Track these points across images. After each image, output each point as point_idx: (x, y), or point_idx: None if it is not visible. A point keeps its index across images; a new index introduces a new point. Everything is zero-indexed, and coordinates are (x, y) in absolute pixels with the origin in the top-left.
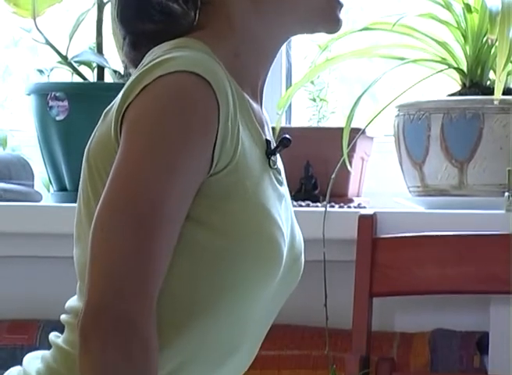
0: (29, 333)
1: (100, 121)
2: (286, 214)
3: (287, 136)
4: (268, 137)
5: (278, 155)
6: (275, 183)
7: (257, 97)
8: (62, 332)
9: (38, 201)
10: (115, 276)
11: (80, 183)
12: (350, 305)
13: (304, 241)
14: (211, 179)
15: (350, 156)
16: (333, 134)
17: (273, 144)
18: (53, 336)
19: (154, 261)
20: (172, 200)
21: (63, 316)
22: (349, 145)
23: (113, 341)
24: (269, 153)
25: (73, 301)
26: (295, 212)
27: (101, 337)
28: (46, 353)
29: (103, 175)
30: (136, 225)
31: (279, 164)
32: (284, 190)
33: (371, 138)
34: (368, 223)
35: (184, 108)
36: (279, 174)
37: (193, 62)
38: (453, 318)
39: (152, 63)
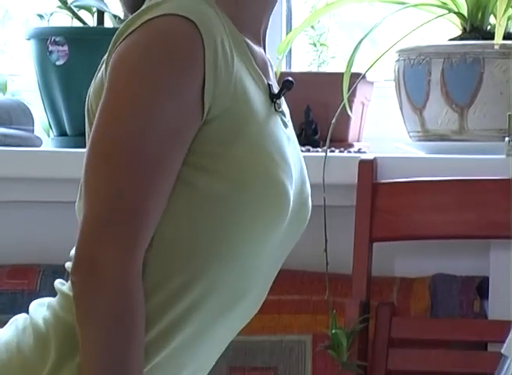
0: (29, 278)
1: (99, 67)
2: (294, 157)
3: (290, 78)
4: (272, 82)
5: (282, 98)
6: (282, 126)
7: (260, 42)
8: (63, 277)
9: (38, 146)
10: (103, 222)
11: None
12: (350, 251)
13: None
14: (208, 125)
15: (351, 101)
16: (333, 79)
17: (276, 88)
18: (58, 283)
19: (145, 213)
20: (157, 142)
21: (68, 264)
22: (349, 90)
23: (91, 285)
24: (273, 97)
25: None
26: None
27: (81, 281)
28: (52, 300)
29: None
30: (117, 170)
31: (284, 107)
32: (290, 133)
33: (372, 83)
34: (368, 168)
35: (166, 48)
36: (285, 117)
37: (181, 6)
38: (453, 263)
39: (143, 8)
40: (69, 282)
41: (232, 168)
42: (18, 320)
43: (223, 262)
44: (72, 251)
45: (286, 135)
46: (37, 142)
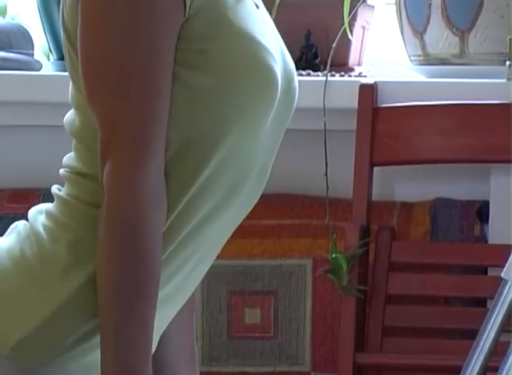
0: (29, 202)
1: None
2: (272, 37)
3: None
4: None
5: None
6: (254, 8)
7: None
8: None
9: (38, 69)
10: (116, 126)
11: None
12: (351, 175)
13: (305, 111)
14: (191, 22)
15: (351, 25)
16: (334, 3)
17: None
18: (56, 189)
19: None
20: (150, 41)
21: (62, 171)
22: (350, 14)
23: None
24: None
25: (70, 160)
26: None
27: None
28: (49, 207)
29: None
30: (121, 72)
31: None
32: (264, 13)
33: (372, 7)
34: (368, 92)
35: None
36: None
37: None
38: (453, 187)
39: None
40: (66, 189)
41: (222, 60)
42: (19, 227)
43: (225, 150)
44: (66, 160)
45: (261, 17)
46: (36, 66)
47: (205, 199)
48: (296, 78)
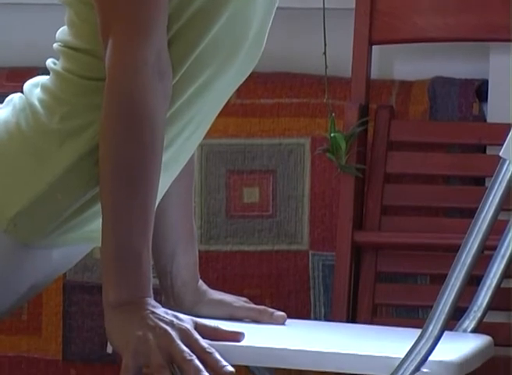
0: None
1: None
2: None
3: None
4: None
5: None
6: None
7: None
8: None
9: None
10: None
11: None
12: (350, 54)
13: None
14: None
15: None
16: None
17: None
18: (51, 63)
19: None
20: None
21: (56, 45)
22: None
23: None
24: None
25: (64, 35)
26: None
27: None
28: (45, 81)
29: None
30: None
31: None
32: None
33: None
34: None
35: None
36: None
37: None
38: (452, 66)
39: None
40: (62, 63)
41: None
42: (14, 100)
43: (225, 17)
44: (59, 35)
45: None
46: None
47: (204, 66)
48: None
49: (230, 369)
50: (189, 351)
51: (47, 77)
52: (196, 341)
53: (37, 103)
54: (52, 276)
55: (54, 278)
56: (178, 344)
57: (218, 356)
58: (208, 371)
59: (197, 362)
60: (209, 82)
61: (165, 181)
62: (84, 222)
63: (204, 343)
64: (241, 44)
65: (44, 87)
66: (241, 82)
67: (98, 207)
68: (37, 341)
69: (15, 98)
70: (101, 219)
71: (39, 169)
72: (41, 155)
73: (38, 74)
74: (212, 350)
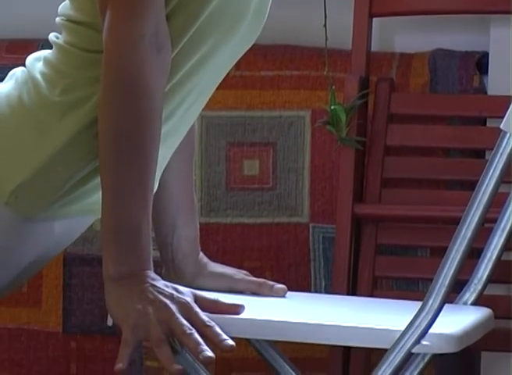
0: (28, 52)
1: None
2: None
3: None
4: None
5: None
6: None
7: None
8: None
9: None
10: None
11: None
12: (350, 26)
13: None
14: None
15: None
16: None
17: None
18: (53, 36)
19: None
20: None
21: (58, 19)
22: None
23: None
24: None
25: (66, 9)
26: None
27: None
28: (47, 54)
29: None
30: None
31: None
32: None
33: None
34: None
35: None
36: None
37: None
38: (453, 38)
39: None
40: (65, 37)
41: None
42: (16, 74)
43: None
44: (61, 9)
45: None
46: None
47: (204, 39)
48: None
49: (230, 342)
50: (188, 325)
51: (49, 51)
52: (196, 314)
53: (39, 76)
54: (54, 250)
55: (56, 253)
56: (178, 318)
57: (218, 330)
58: (207, 345)
59: (197, 335)
60: (210, 54)
61: (164, 153)
62: (85, 194)
63: (204, 316)
64: (242, 15)
65: (46, 61)
66: (242, 54)
67: (98, 179)
68: (37, 314)
69: (17, 72)
70: (100, 192)
71: (40, 141)
72: (43, 127)
73: (38, 47)
74: (212, 323)
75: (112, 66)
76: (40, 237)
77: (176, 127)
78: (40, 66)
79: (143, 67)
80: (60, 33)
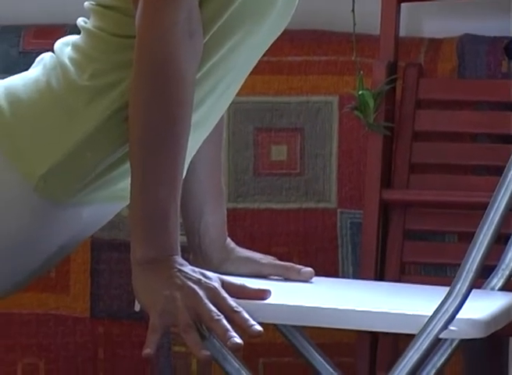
0: (56, 37)
1: None
2: None
3: None
4: None
5: None
6: None
7: None
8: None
9: None
10: None
11: None
12: (378, 11)
13: None
14: None
15: None
16: None
17: None
18: (81, 21)
19: None
20: None
21: (87, 4)
22: None
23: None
24: None
25: None
26: None
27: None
28: (76, 39)
29: None
30: None
31: None
32: None
33: None
34: None
35: None
36: None
37: None
38: (481, 23)
39: None
40: (93, 22)
41: None
42: (45, 59)
43: None
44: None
45: None
46: None
47: (236, 26)
48: None
49: (259, 328)
50: (216, 311)
51: (78, 36)
52: (224, 299)
53: (67, 61)
54: (81, 235)
55: (83, 239)
56: (205, 304)
57: (246, 315)
58: (235, 330)
59: (225, 321)
60: (241, 41)
61: (194, 141)
62: (114, 180)
63: (232, 302)
64: (273, 2)
65: (74, 46)
66: (273, 41)
67: (127, 166)
68: (65, 299)
69: (45, 57)
70: (129, 179)
71: (69, 126)
72: (71, 112)
73: (66, 31)
74: (240, 309)
75: (144, 51)
76: (68, 222)
77: (207, 116)
78: (68, 51)
79: (175, 53)
80: (88, 18)
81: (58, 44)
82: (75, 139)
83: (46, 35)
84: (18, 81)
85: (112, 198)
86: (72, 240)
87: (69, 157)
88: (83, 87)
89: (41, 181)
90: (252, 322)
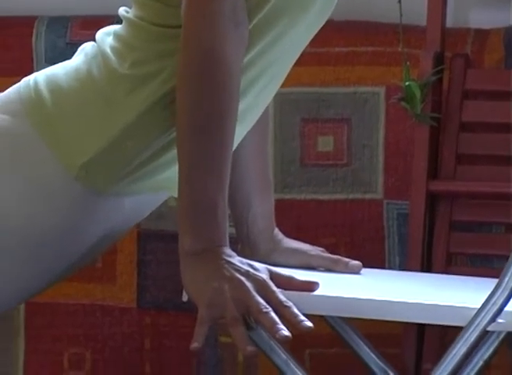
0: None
1: None
2: None
3: None
4: None
5: None
6: None
7: None
8: None
9: None
10: None
11: None
12: (425, 1)
13: None
14: None
15: None
16: None
17: None
18: (123, 11)
19: None
20: None
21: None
22: None
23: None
24: None
25: None
26: None
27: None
28: (117, 29)
29: None
30: None
31: None
32: None
33: None
34: None
35: None
36: None
37: None
38: None
39: None
40: (135, 11)
41: None
42: (86, 49)
43: None
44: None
45: None
46: None
47: (278, 16)
48: None
49: (309, 324)
50: (265, 304)
51: (119, 26)
52: (272, 292)
53: (108, 50)
54: (124, 226)
55: (126, 229)
56: (254, 296)
57: (295, 310)
58: (284, 324)
59: (274, 314)
60: (284, 32)
61: (239, 132)
62: (155, 170)
63: (282, 296)
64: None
65: (116, 35)
66: (316, 31)
67: (169, 156)
68: (112, 289)
69: (87, 46)
70: (172, 169)
71: (110, 115)
72: (112, 101)
73: (112, 22)
74: (290, 303)
75: (190, 41)
76: (110, 212)
77: (252, 107)
78: (110, 40)
79: (221, 42)
80: (130, 8)
81: (99, 34)
82: (116, 128)
83: (93, 26)
84: (59, 70)
85: (155, 188)
86: (114, 230)
87: (109, 146)
88: (124, 76)
89: (82, 171)
90: (302, 317)
